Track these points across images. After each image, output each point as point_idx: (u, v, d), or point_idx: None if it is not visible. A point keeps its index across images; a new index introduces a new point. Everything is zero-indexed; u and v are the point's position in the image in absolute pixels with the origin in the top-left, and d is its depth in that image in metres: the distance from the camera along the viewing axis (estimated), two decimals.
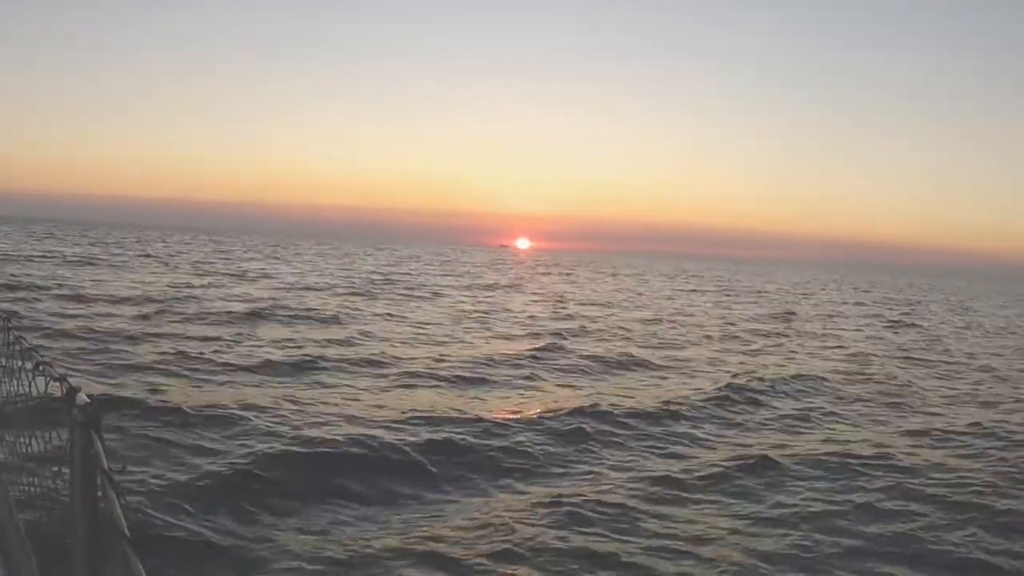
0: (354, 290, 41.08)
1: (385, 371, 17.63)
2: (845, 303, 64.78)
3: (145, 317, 23.73)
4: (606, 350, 23.57)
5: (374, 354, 19.62)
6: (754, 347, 28.21)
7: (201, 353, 17.93)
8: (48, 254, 54.47)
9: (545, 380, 18.32)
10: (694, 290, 69.36)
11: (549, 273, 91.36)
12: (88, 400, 2.70)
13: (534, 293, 51.33)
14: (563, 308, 39.67)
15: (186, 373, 15.80)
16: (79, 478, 2.64)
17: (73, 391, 2.84)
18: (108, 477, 2.34)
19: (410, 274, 63.43)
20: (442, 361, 19.38)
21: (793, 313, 46.59)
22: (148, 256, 62.51)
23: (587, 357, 21.74)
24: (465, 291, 47.74)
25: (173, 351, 17.87)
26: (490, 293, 48.11)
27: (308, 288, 40.50)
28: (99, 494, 2.52)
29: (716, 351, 26.08)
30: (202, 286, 36.56)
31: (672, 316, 38.89)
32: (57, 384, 3.07)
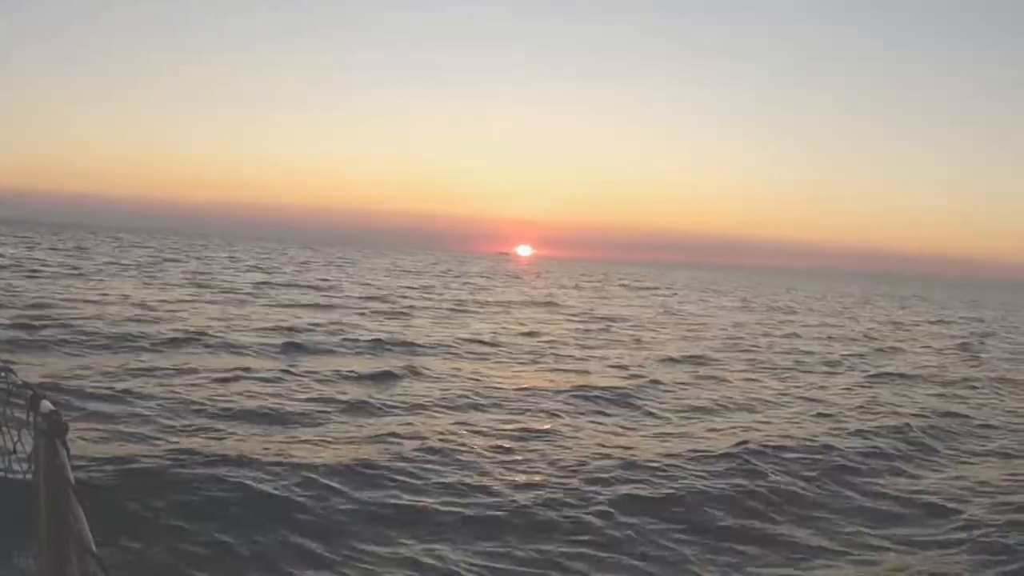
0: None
1: None
2: None
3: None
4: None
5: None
6: None
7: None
8: None
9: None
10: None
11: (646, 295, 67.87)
12: (53, 408, 2.55)
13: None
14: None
15: None
16: (43, 491, 2.48)
17: (37, 398, 2.68)
18: (73, 489, 2.22)
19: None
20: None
21: None
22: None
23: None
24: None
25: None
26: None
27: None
28: (66, 508, 2.38)
29: None
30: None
31: None
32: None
